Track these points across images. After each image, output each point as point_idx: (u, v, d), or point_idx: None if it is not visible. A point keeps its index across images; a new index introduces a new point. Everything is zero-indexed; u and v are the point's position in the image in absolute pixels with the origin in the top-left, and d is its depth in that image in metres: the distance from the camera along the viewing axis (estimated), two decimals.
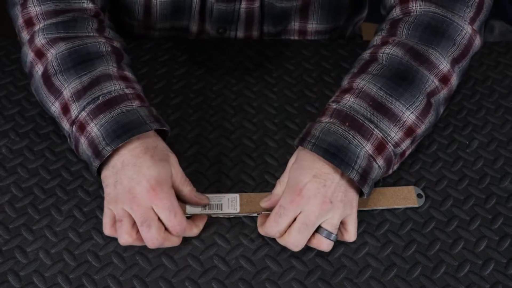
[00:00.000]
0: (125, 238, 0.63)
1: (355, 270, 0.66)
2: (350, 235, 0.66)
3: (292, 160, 0.68)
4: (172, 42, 0.90)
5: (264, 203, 0.69)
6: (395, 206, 0.71)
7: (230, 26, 0.91)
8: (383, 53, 0.70)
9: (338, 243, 0.68)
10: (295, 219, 0.64)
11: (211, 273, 0.66)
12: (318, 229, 0.64)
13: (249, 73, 0.87)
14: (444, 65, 0.68)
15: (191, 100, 0.83)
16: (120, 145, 0.64)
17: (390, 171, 0.68)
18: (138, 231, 0.64)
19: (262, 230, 0.67)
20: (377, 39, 0.73)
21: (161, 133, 0.70)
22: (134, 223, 0.64)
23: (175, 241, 0.66)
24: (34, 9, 0.72)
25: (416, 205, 0.72)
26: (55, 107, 0.69)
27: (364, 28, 1.12)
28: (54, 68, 0.69)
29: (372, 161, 0.64)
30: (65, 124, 0.68)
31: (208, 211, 0.70)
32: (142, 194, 0.62)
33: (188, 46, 0.90)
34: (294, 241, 0.64)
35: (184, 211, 0.69)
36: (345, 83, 0.71)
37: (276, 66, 0.88)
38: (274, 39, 0.94)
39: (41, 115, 0.80)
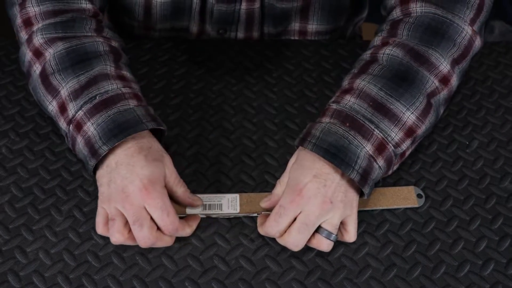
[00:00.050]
0: (117, 236, 0.63)
1: (355, 270, 0.66)
2: (350, 235, 0.66)
3: (292, 160, 0.68)
4: (172, 42, 0.90)
5: (264, 203, 0.69)
6: (395, 206, 0.71)
7: (230, 27, 0.91)
8: (383, 54, 0.70)
9: (338, 243, 0.68)
10: (295, 219, 0.64)
11: (211, 273, 0.66)
12: (318, 229, 0.64)
13: (249, 73, 0.86)
14: (444, 66, 0.69)
15: (191, 100, 0.83)
16: (116, 144, 0.64)
17: (390, 172, 0.68)
18: (130, 230, 0.64)
19: (262, 230, 0.67)
20: (377, 40, 0.73)
21: (158, 133, 0.70)
22: (126, 222, 0.64)
23: (167, 241, 0.66)
24: (33, 9, 0.72)
25: (416, 205, 0.72)
26: (52, 106, 0.69)
27: (364, 28, 1.12)
28: (52, 67, 0.69)
29: (372, 161, 0.64)
30: (62, 123, 0.68)
31: (208, 211, 0.70)
32: (134, 193, 0.63)
33: (188, 46, 0.90)
34: (294, 241, 0.64)
35: (184, 212, 0.69)
36: (345, 83, 0.71)
37: (276, 66, 0.88)
38: (274, 39, 0.94)
39: (41, 115, 0.80)
